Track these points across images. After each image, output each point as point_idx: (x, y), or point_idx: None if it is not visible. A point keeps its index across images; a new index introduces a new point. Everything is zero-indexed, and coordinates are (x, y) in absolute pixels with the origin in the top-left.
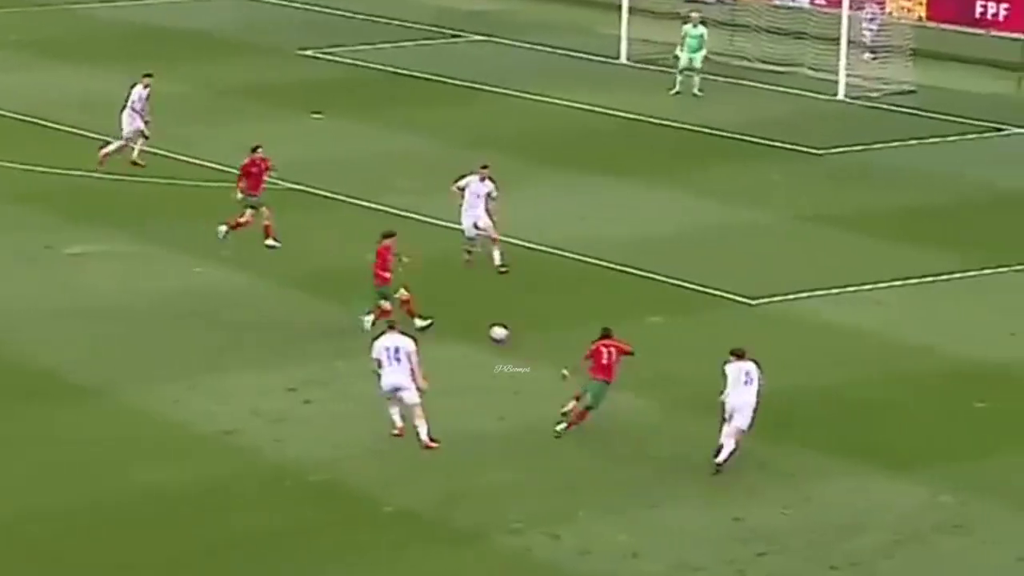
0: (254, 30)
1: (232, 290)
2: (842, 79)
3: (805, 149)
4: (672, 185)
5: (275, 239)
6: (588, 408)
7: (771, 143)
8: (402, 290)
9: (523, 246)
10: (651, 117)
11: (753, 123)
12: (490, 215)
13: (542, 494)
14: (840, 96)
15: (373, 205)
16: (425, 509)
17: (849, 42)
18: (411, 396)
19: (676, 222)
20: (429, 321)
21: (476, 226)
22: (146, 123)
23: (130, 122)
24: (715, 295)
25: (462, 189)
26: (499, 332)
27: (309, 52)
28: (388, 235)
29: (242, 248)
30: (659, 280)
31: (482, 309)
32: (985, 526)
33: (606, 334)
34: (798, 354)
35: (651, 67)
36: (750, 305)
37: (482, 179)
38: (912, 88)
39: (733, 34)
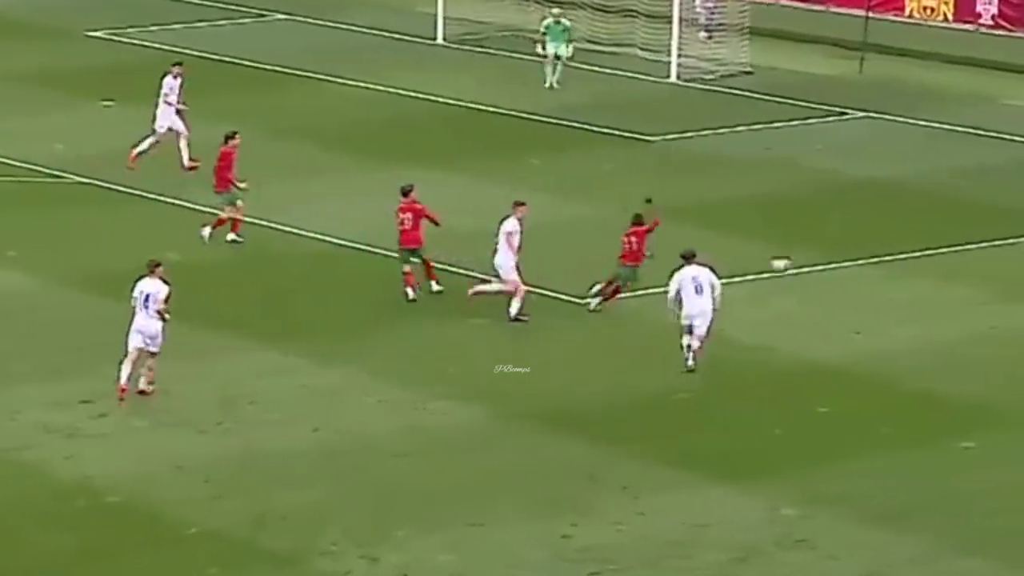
0: (38, 10)
1: (18, 293)
2: (674, 60)
3: (636, 136)
4: (497, 177)
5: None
6: (619, 287)
7: (600, 130)
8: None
9: (336, 243)
10: (472, 103)
11: (581, 108)
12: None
13: (359, 512)
14: (673, 79)
15: (171, 200)
16: (233, 531)
17: (681, 21)
18: (156, 347)
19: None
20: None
21: None
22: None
23: (164, 116)
24: (545, 294)
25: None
26: (779, 264)
27: (99, 34)
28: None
29: (31, 247)
30: (484, 279)
31: (290, 312)
32: (829, 539)
33: (637, 221)
34: (632, 356)
35: (470, 48)
36: (581, 305)
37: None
38: (749, 69)
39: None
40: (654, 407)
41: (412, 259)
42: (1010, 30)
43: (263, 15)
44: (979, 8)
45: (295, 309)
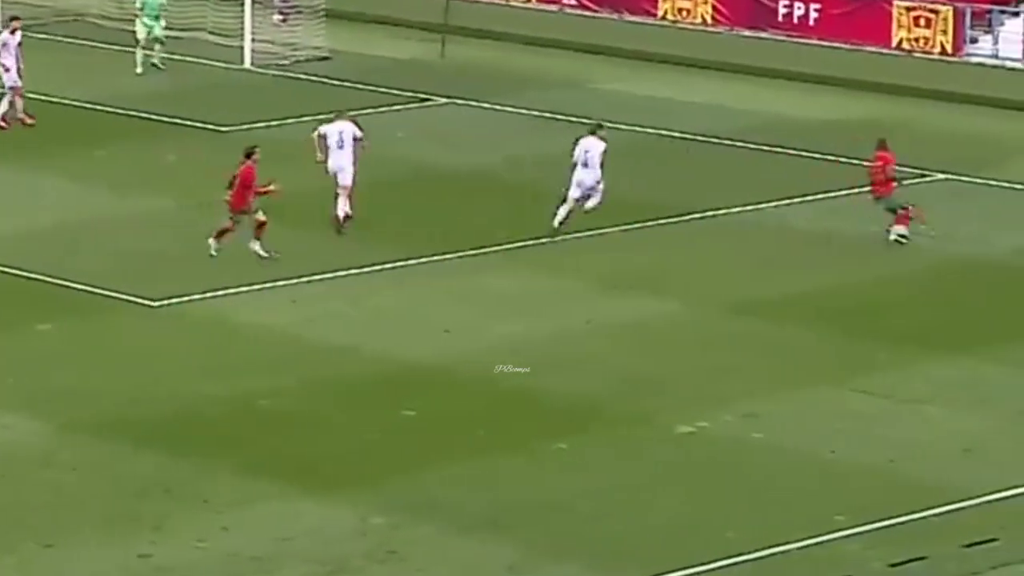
0: None
1: None
2: (248, 45)
3: (207, 126)
4: (51, 171)
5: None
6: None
7: (167, 119)
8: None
9: None
10: (35, 94)
11: (145, 97)
12: None
13: None
14: (247, 65)
15: None
16: None
17: (254, 3)
18: None
19: (58, 214)
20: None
21: None
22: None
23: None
24: (110, 296)
25: None
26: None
27: None
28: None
29: None
30: (43, 281)
31: None
32: (420, 550)
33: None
34: (209, 360)
35: (31, 35)
36: (151, 307)
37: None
38: (326, 54)
39: None
40: (234, 414)
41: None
42: (595, 11)
43: None
44: None
45: None
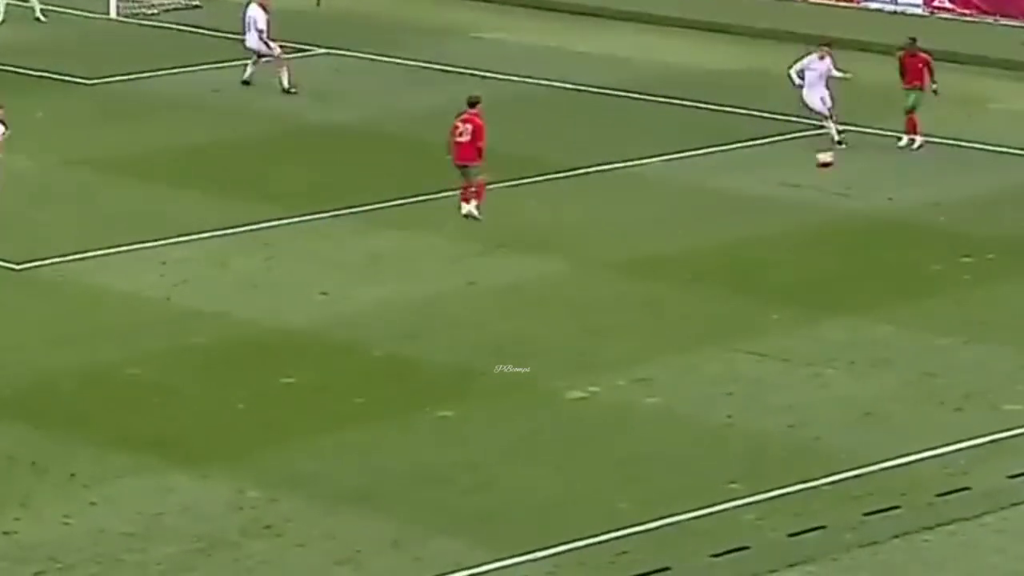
0: None
1: None
2: None
3: (71, 78)
4: None
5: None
6: None
7: (34, 73)
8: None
9: None
10: None
11: (11, 50)
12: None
13: None
14: (113, 15)
15: None
16: None
17: None
18: None
19: None
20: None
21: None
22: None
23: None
24: None
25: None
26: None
27: None
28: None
29: None
30: None
31: None
32: (297, 525)
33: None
34: (73, 327)
35: None
36: (14, 270)
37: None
38: (197, 3)
39: None
40: (100, 384)
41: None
42: None
43: None
44: None
45: None
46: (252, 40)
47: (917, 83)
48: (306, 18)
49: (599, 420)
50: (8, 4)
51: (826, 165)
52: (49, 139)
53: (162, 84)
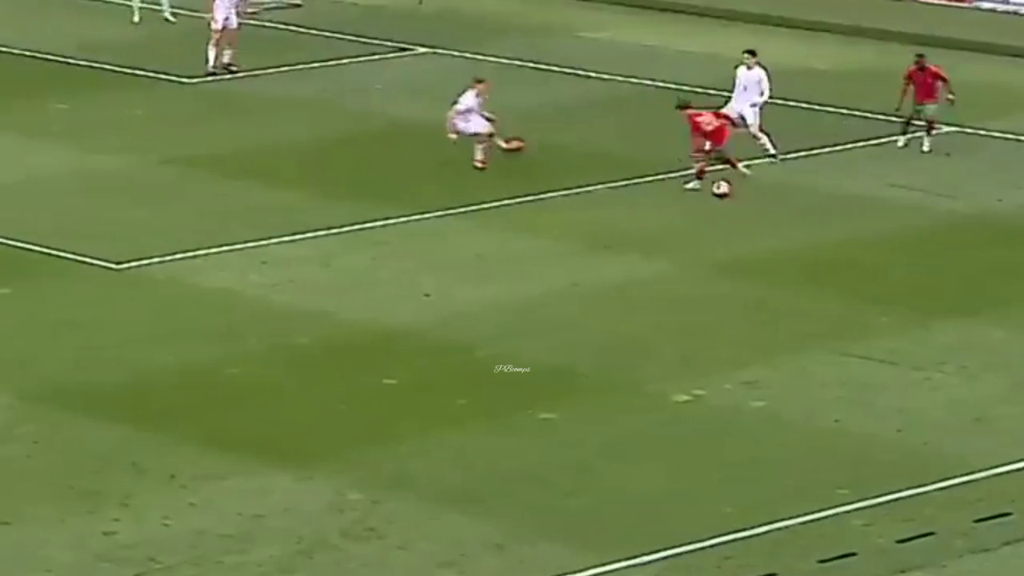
0: None
1: None
2: None
3: (172, 77)
4: (10, 125)
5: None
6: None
7: (133, 71)
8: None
9: None
10: None
11: (110, 47)
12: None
13: None
14: None
15: None
16: None
17: None
18: None
19: (14, 170)
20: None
21: None
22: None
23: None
24: (70, 259)
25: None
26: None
27: None
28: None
29: None
30: (1, 243)
31: None
32: (400, 527)
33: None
34: (173, 326)
35: None
36: (115, 269)
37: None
38: (298, 2)
39: None
40: (202, 384)
41: None
42: None
43: None
44: None
45: None
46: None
47: (928, 100)
48: (408, 16)
49: (705, 423)
50: (141, 7)
51: (723, 196)
52: (149, 138)
53: (262, 83)
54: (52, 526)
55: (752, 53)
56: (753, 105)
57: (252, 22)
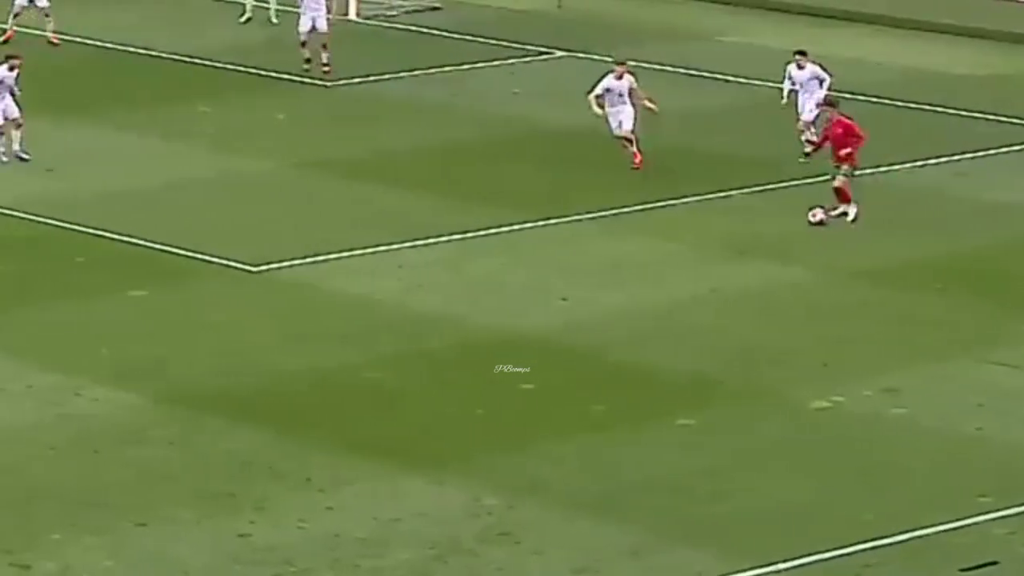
0: None
1: None
2: None
3: (310, 80)
4: (150, 127)
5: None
6: None
7: (273, 74)
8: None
9: None
10: (123, 44)
11: (246, 50)
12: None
13: (6, 513)
14: (352, 16)
15: None
16: None
17: None
18: None
19: (155, 173)
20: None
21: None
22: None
23: None
24: (208, 261)
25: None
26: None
27: None
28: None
29: None
30: (138, 244)
31: None
32: (535, 532)
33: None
34: (309, 330)
35: None
36: (251, 272)
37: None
38: (437, 5)
39: None
40: (336, 388)
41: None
42: None
43: None
44: None
45: None
46: None
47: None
48: (547, 19)
49: (844, 430)
50: (255, 5)
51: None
52: (287, 141)
53: (400, 86)
54: (188, 527)
55: (803, 53)
56: (817, 105)
57: (396, 25)
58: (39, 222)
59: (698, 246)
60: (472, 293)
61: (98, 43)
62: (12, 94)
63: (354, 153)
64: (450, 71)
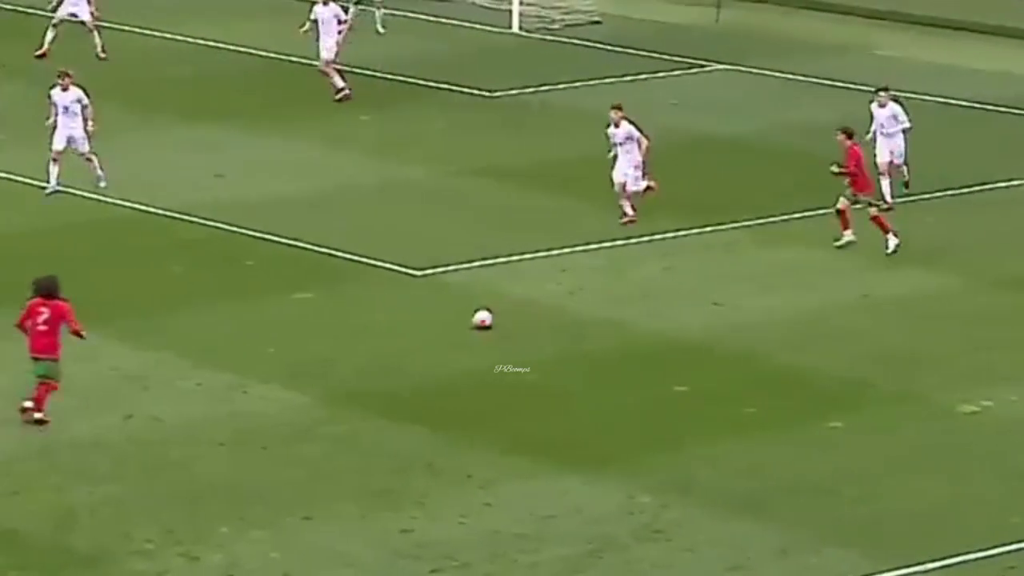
0: None
1: None
2: (516, 8)
3: (475, 91)
4: (317, 136)
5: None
6: None
7: (434, 85)
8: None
9: (140, 209)
10: (288, 55)
11: (412, 62)
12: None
13: (177, 507)
14: (515, 29)
15: None
16: (33, 530)
17: None
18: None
19: (323, 180)
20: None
21: None
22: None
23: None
24: (373, 265)
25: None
26: (483, 316)
27: None
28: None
29: None
30: (305, 248)
31: (91, 286)
32: (687, 530)
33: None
34: (470, 332)
35: None
36: (414, 276)
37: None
38: (597, 19)
39: None
40: (497, 388)
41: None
42: None
43: None
44: None
45: (96, 283)
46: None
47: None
48: (704, 33)
49: (991, 434)
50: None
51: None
52: (450, 149)
53: (565, 98)
54: (352, 523)
55: (885, 90)
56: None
57: (558, 38)
58: (209, 226)
59: (849, 254)
60: (630, 298)
61: (261, 53)
62: (84, 120)
63: (513, 161)
64: (608, 83)
